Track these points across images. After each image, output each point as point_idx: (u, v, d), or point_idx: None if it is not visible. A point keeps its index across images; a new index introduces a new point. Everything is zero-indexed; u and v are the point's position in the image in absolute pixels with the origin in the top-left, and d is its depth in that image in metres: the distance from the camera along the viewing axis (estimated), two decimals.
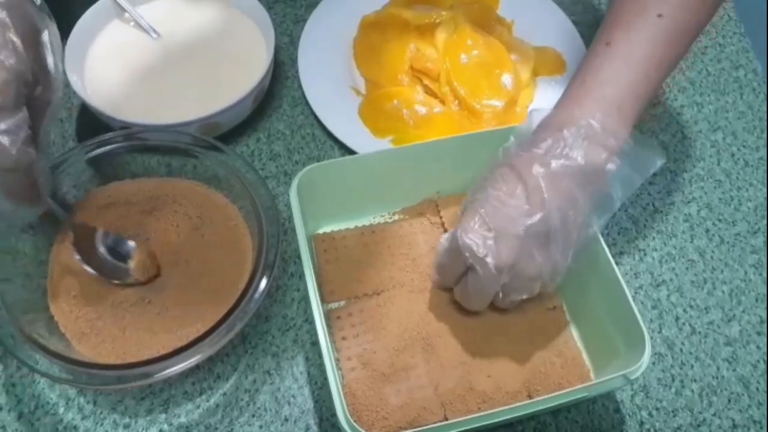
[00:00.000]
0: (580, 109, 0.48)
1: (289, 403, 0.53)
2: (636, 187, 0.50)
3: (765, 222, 0.64)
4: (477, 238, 0.47)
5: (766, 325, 0.59)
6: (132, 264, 0.52)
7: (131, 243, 0.53)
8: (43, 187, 0.44)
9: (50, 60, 0.43)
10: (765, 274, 0.61)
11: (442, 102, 0.67)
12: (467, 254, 0.47)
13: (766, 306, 0.60)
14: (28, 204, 0.43)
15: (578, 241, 0.49)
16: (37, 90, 0.42)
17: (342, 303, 0.55)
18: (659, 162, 0.50)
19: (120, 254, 0.53)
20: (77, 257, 0.51)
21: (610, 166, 0.48)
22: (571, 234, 0.48)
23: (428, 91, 0.68)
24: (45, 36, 0.43)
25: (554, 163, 0.47)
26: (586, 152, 0.47)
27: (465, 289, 0.51)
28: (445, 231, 0.59)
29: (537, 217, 0.47)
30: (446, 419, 0.49)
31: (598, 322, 0.53)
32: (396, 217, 0.60)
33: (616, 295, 0.50)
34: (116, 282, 0.52)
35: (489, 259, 0.47)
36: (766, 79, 0.74)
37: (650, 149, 0.49)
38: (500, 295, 0.51)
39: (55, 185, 0.53)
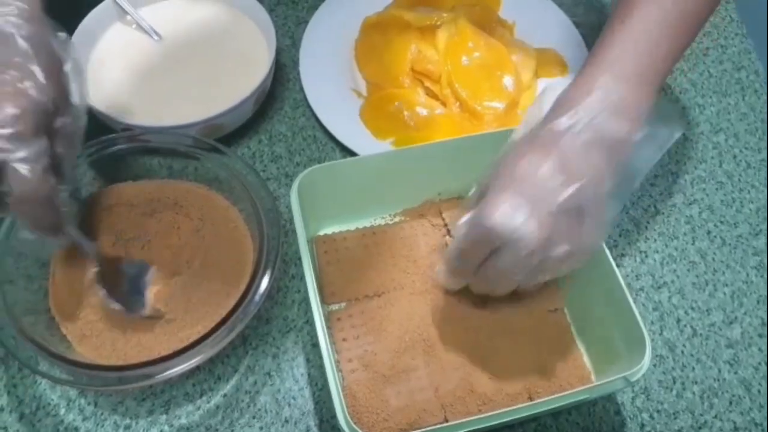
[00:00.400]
0: (600, 81, 0.47)
1: (289, 405, 0.53)
2: (657, 159, 0.48)
3: (767, 224, 0.64)
4: (508, 215, 0.44)
5: (767, 327, 0.59)
6: (151, 296, 0.52)
7: (151, 270, 0.53)
8: (66, 217, 0.44)
9: (74, 89, 0.43)
10: (766, 276, 0.61)
11: (444, 104, 0.67)
12: (498, 233, 0.44)
13: (767, 308, 0.60)
14: (51, 234, 0.44)
15: (606, 219, 0.47)
16: (60, 120, 0.42)
17: (343, 305, 0.55)
18: (678, 132, 0.49)
19: (139, 286, 0.52)
20: (102, 292, 0.50)
21: (636, 136, 0.46)
22: (603, 209, 0.46)
23: (429, 92, 0.68)
24: (68, 66, 0.44)
25: (582, 135, 0.45)
26: (611, 123, 0.46)
27: (486, 275, 0.48)
28: (448, 233, 0.59)
29: (573, 188, 0.44)
30: (446, 421, 0.49)
31: (599, 324, 0.53)
32: (397, 218, 0.60)
33: (617, 297, 0.50)
34: (139, 316, 0.51)
35: (526, 233, 0.44)
36: (767, 81, 0.74)
37: (670, 118, 0.49)
38: (528, 278, 0.48)
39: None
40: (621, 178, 0.47)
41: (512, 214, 0.44)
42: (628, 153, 0.47)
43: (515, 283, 0.49)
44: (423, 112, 0.66)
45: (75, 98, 0.43)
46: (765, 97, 0.72)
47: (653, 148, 0.48)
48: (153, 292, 0.52)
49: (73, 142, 0.44)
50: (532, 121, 0.49)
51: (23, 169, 0.39)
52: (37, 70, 0.41)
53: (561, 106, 0.48)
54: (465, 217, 0.48)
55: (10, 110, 0.39)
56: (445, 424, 0.44)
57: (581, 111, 0.46)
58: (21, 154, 0.39)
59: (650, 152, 0.48)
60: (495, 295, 0.52)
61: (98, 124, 0.65)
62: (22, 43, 0.41)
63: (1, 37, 0.40)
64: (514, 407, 0.45)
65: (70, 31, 0.63)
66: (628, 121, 0.46)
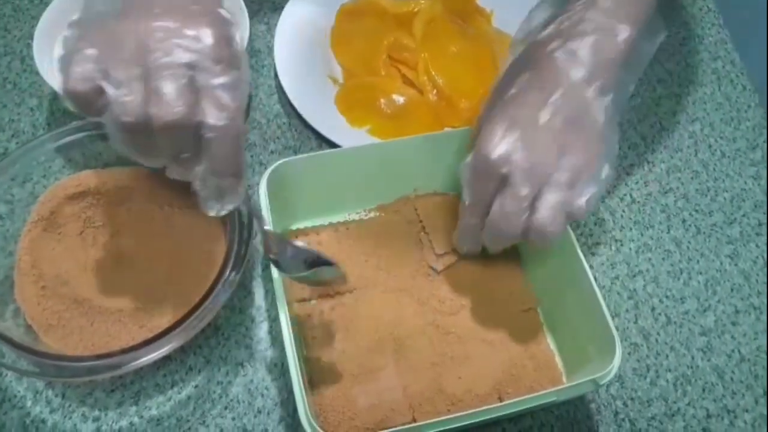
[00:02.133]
0: None
1: (262, 395, 0.52)
2: (644, 67, 0.47)
3: (740, 213, 0.65)
4: (504, 144, 0.43)
5: (740, 315, 0.59)
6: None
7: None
8: (245, 164, 0.41)
9: (237, 37, 0.41)
10: (740, 265, 0.62)
11: (420, 91, 0.66)
12: (499, 163, 0.43)
13: (739, 296, 0.60)
14: (233, 178, 0.41)
15: (603, 129, 0.45)
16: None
17: (313, 301, 0.54)
18: (660, 36, 0.47)
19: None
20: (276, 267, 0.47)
21: (623, 40, 0.44)
22: (596, 119, 0.44)
23: (406, 80, 0.67)
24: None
25: (565, 41, 0.44)
26: (600, 27, 0.44)
27: (499, 214, 0.45)
28: (423, 229, 0.57)
29: (556, 96, 0.43)
30: (415, 421, 0.48)
31: (571, 325, 0.52)
32: (372, 214, 0.59)
33: (589, 299, 0.49)
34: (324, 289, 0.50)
35: (519, 159, 0.43)
36: (744, 70, 0.74)
37: (653, 24, 0.47)
38: (539, 205, 0.44)
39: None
40: (615, 88, 0.45)
41: (506, 142, 0.43)
42: (615, 61, 0.45)
43: (523, 213, 0.45)
44: (399, 99, 0.65)
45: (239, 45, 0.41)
46: (740, 87, 0.73)
47: (639, 56, 0.47)
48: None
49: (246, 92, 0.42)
50: (520, 43, 0.48)
51: (224, 97, 0.38)
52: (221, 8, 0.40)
53: (552, 16, 0.46)
54: (467, 159, 0.47)
55: (212, 34, 0.38)
56: (412, 425, 0.44)
57: (568, 18, 0.45)
58: (221, 79, 0.37)
59: (636, 60, 0.47)
60: (511, 235, 0.46)
61: (66, 110, 0.64)
62: None
63: None
64: (483, 408, 0.44)
65: (38, 12, 0.62)
66: (618, 27, 0.44)
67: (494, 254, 0.52)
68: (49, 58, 0.61)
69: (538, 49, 0.45)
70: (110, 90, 0.37)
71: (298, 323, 0.52)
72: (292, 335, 0.45)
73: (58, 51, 0.62)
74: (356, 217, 0.59)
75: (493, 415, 0.45)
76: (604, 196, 0.64)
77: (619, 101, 0.46)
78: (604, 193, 0.44)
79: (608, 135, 0.46)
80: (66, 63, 0.38)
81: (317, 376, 0.50)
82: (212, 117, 0.38)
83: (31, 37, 0.61)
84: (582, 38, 0.44)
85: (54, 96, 0.65)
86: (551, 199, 0.44)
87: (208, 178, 0.40)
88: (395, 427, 0.44)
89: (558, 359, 0.54)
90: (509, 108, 0.45)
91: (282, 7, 0.70)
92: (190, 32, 0.38)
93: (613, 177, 0.46)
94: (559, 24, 0.45)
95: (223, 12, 0.40)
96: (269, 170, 0.51)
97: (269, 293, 0.57)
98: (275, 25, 0.69)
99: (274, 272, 0.48)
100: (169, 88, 0.36)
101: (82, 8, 0.40)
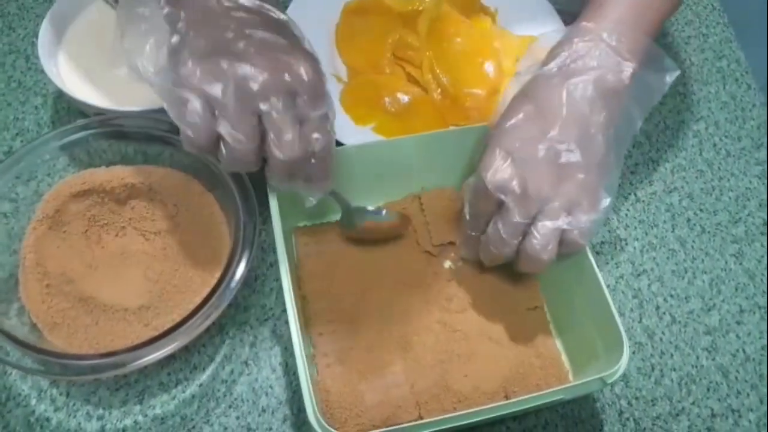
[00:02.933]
0: (591, 27, 0.47)
1: (266, 394, 0.52)
2: (655, 103, 0.48)
3: (745, 212, 0.64)
4: (500, 170, 0.46)
5: (744, 314, 0.59)
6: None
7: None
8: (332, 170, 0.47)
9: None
10: (744, 264, 0.61)
11: (424, 90, 0.66)
12: (494, 189, 0.46)
13: (744, 296, 0.60)
14: (325, 180, 0.48)
15: (604, 161, 0.46)
16: None
17: (321, 297, 0.54)
18: (672, 75, 0.49)
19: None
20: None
21: (628, 75, 0.46)
22: (595, 152, 0.46)
23: (410, 78, 0.67)
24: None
25: (567, 76, 0.45)
26: (602, 62, 0.45)
27: (493, 234, 0.48)
28: (428, 224, 0.58)
29: (555, 130, 0.45)
30: (421, 418, 0.48)
31: (578, 323, 0.52)
32: None
33: (596, 297, 0.49)
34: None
35: (514, 186, 0.45)
36: (749, 69, 0.74)
37: (663, 62, 0.48)
38: (533, 231, 0.46)
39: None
40: (618, 121, 0.47)
41: (503, 171, 0.45)
42: (620, 95, 0.46)
43: (519, 235, 0.47)
44: (404, 98, 0.65)
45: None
46: (745, 86, 0.72)
47: (649, 92, 0.48)
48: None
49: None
50: (524, 74, 0.49)
51: (326, 127, 0.44)
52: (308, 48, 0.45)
53: (554, 50, 0.47)
54: (470, 179, 0.50)
55: (313, 70, 0.43)
56: (419, 422, 0.44)
57: (571, 54, 0.46)
58: (319, 111, 0.43)
59: (646, 96, 0.48)
60: (506, 255, 0.49)
61: (70, 108, 0.64)
62: (296, 31, 0.45)
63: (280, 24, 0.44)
64: (489, 406, 0.44)
65: (44, 9, 0.62)
66: (620, 63, 0.46)
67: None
68: (54, 56, 0.61)
69: (542, 82, 0.47)
70: (228, 138, 0.41)
71: (305, 319, 0.52)
72: (299, 331, 0.45)
73: (63, 50, 0.62)
74: None
75: (500, 413, 0.45)
76: None
77: (624, 134, 0.48)
78: (601, 225, 0.46)
79: (608, 167, 0.47)
80: (177, 112, 0.42)
81: (324, 372, 0.50)
82: (318, 146, 0.44)
83: (36, 36, 0.61)
84: (585, 73, 0.46)
85: (58, 94, 0.65)
86: (544, 227, 0.46)
87: (307, 185, 0.47)
88: (402, 423, 0.44)
89: (565, 358, 0.54)
90: (511, 137, 0.46)
91: (286, 6, 0.70)
92: (289, 72, 0.42)
93: (611, 206, 0.48)
94: (564, 58, 0.46)
95: (307, 46, 0.45)
96: None
97: (274, 291, 0.56)
98: None
99: (282, 267, 0.48)
100: (287, 135, 0.42)
101: (170, 52, 0.42)
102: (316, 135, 0.44)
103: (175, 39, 0.42)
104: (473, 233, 0.52)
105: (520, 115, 0.46)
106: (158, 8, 0.43)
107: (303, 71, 0.42)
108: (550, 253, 0.46)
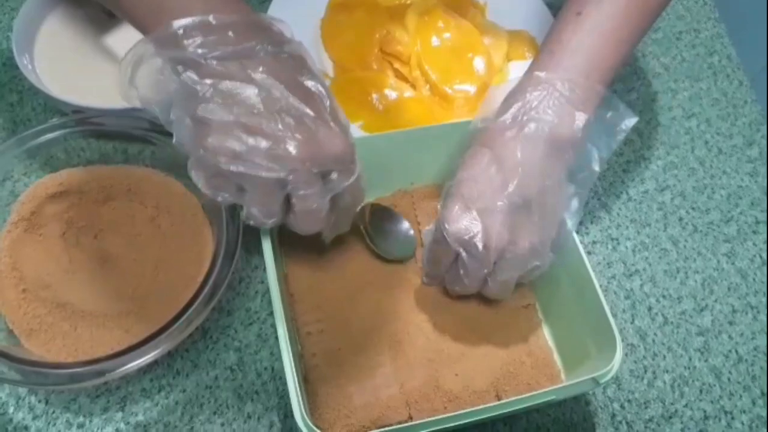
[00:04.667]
0: (547, 76, 0.47)
1: (252, 400, 0.51)
2: (612, 151, 0.49)
3: (738, 210, 0.64)
4: (460, 223, 0.46)
5: (737, 314, 0.58)
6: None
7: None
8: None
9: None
10: (737, 263, 0.61)
11: (413, 86, 0.65)
12: (453, 242, 0.47)
13: (737, 296, 0.59)
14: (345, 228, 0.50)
15: (559, 210, 0.48)
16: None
17: (309, 296, 0.53)
18: (631, 121, 0.49)
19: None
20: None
21: (581, 126, 0.46)
22: (551, 203, 0.47)
23: (398, 75, 0.65)
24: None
25: (522, 128, 0.46)
26: (555, 113, 0.46)
27: (457, 276, 0.50)
28: (419, 223, 0.57)
29: (513, 184, 0.45)
30: (411, 419, 0.48)
31: (570, 322, 0.52)
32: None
33: (589, 297, 0.48)
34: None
35: (476, 241, 0.46)
36: (740, 66, 0.73)
37: (620, 110, 0.49)
38: (492, 277, 0.49)
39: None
40: (575, 168, 0.48)
41: (462, 222, 0.46)
42: (578, 143, 0.47)
43: (480, 281, 0.50)
44: (392, 94, 0.64)
45: None
46: (737, 83, 0.72)
47: (606, 138, 0.49)
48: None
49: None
50: (484, 116, 0.50)
51: (359, 194, 0.47)
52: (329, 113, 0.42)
53: (508, 100, 0.48)
54: (430, 226, 0.52)
55: (338, 142, 0.41)
56: (409, 423, 0.43)
57: (525, 105, 0.46)
58: (352, 179, 0.43)
59: (605, 144, 0.49)
60: (467, 293, 0.52)
61: (47, 106, 0.62)
62: (320, 89, 0.42)
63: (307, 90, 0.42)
64: (480, 407, 0.43)
65: (19, 3, 0.60)
66: (575, 110, 0.46)
67: None
68: (29, 51, 0.59)
69: (498, 135, 0.47)
70: (251, 207, 0.42)
71: (292, 320, 0.51)
72: (286, 331, 0.44)
73: (39, 45, 0.60)
74: None
75: (492, 414, 0.44)
76: (600, 194, 0.63)
77: (584, 178, 0.49)
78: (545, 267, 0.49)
79: (562, 216, 0.48)
80: (198, 177, 0.42)
81: (312, 373, 0.49)
82: (344, 204, 0.46)
83: (11, 30, 0.59)
84: (539, 125, 0.46)
85: (35, 91, 0.62)
86: (501, 277, 0.49)
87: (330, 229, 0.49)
88: (391, 424, 0.43)
89: (556, 356, 0.53)
90: (470, 189, 0.47)
91: (270, 0, 0.68)
92: (321, 149, 0.40)
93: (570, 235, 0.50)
94: (517, 109, 0.47)
95: (341, 116, 0.43)
96: None
97: (259, 294, 0.55)
98: None
99: (269, 266, 0.46)
100: (310, 218, 0.43)
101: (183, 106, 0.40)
102: (346, 198, 0.45)
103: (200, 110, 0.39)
104: (432, 274, 0.53)
105: (480, 168, 0.47)
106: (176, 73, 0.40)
107: (333, 147, 0.41)
108: (508, 293, 0.51)
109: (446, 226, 0.47)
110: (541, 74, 0.47)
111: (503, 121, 0.47)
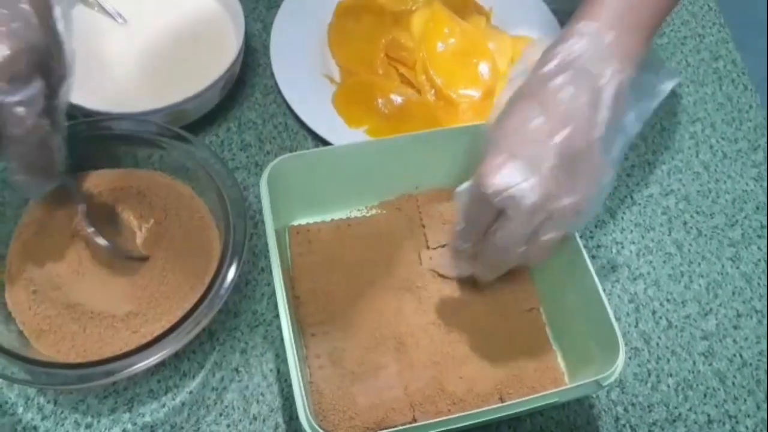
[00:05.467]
0: (588, 27, 0.45)
1: (257, 401, 0.51)
2: (651, 111, 0.47)
3: (742, 215, 0.64)
4: (505, 176, 0.42)
5: (742, 318, 0.58)
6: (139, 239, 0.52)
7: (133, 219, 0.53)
8: (58, 161, 0.43)
9: (62, 33, 0.42)
10: (741, 267, 0.61)
11: (418, 91, 0.65)
12: (497, 196, 0.43)
13: (741, 300, 0.59)
14: (43, 177, 0.44)
15: (603, 165, 0.45)
16: (52, 63, 0.41)
17: (314, 298, 0.53)
18: (672, 82, 0.47)
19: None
20: (90, 230, 0.51)
21: (624, 80, 0.44)
22: (596, 155, 0.44)
23: (404, 79, 0.66)
24: (57, 11, 0.42)
25: (568, 78, 0.43)
26: (598, 64, 0.44)
27: (492, 245, 0.46)
28: (423, 227, 0.57)
29: (562, 135, 0.42)
30: (415, 420, 0.48)
31: (574, 325, 0.52)
32: (374, 211, 0.59)
33: (592, 300, 0.48)
34: (127, 256, 0.52)
35: (524, 196, 0.42)
36: (745, 70, 0.73)
37: (662, 69, 0.47)
38: (533, 240, 0.45)
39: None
40: (616, 126, 0.45)
41: (509, 175, 0.42)
42: (617, 97, 0.44)
43: (520, 247, 0.46)
44: (397, 99, 0.64)
45: (64, 43, 0.42)
46: (742, 87, 0.72)
47: (647, 98, 0.47)
48: (142, 237, 0.53)
49: (65, 88, 0.43)
50: (517, 79, 0.47)
51: (20, 111, 0.39)
52: (27, 10, 0.39)
53: (548, 53, 0.46)
54: (465, 184, 0.47)
55: (4, 51, 0.38)
56: (413, 425, 0.43)
57: (568, 55, 0.44)
58: (18, 96, 0.39)
59: (644, 101, 0.47)
60: (500, 272, 0.49)
61: None
62: None
63: None
64: (484, 409, 0.43)
65: None
66: (617, 64, 0.44)
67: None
68: None
69: (544, 83, 0.44)
70: None
71: (298, 322, 0.51)
72: (291, 330, 0.44)
73: None
74: (358, 213, 0.58)
75: (495, 416, 0.45)
76: (605, 198, 0.63)
77: (622, 139, 0.46)
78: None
79: (604, 174, 0.45)
80: None
81: (317, 374, 0.49)
82: (11, 129, 0.39)
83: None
84: (584, 74, 0.44)
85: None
86: (547, 238, 0.45)
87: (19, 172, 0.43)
88: (396, 426, 0.43)
89: (560, 360, 0.53)
90: (514, 139, 0.44)
91: (278, 5, 0.69)
92: None
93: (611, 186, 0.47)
94: (561, 59, 0.44)
95: (24, 7, 0.39)
96: (270, 166, 0.51)
97: (265, 297, 0.56)
98: (271, 23, 0.68)
99: (274, 268, 0.47)
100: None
101: None
102: (8, 123, 0.40)
103: None
104: (465, 245, 0.50)
105: (524, 116, 0.44)
106: None
107: None
108: (549, 255, 0.47)
109: (489, 179, 0.43)
110: (583, 24, 0.45)
111: (547, 71, 0.44)
